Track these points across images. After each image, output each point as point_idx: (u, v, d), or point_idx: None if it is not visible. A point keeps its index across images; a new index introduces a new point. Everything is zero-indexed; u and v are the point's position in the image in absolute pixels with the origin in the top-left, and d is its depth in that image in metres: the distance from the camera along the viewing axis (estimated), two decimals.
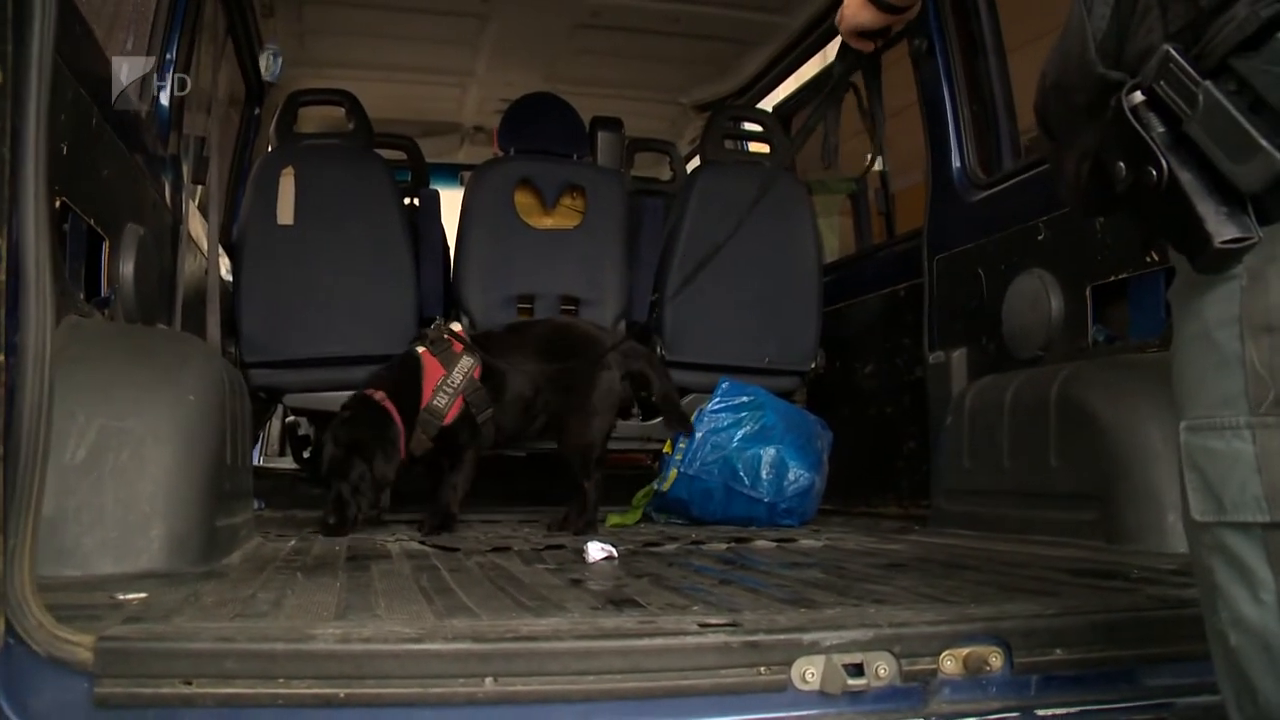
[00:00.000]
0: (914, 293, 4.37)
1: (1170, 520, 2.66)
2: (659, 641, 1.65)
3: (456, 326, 3.92)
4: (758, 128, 5.47)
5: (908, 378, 4.49)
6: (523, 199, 4.71)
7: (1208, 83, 1.17)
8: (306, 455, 5.24)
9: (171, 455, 2.26)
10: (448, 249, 4.99)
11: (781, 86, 6.13)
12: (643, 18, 5.39)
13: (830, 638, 1.69)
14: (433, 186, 5.49)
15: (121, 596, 1.89)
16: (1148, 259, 3.10)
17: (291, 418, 5.10)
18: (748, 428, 4.10)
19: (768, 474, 4.04)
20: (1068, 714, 1.80)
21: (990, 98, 4.04)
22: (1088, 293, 3.35)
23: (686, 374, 4.66)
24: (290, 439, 6.20)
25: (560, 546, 3.13)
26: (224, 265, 4.60)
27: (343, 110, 4.77)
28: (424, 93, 6.47)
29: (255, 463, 3.80)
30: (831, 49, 5.47)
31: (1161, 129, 1.21)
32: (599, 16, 5.38)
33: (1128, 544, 2.75)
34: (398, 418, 3.61)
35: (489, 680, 1.57)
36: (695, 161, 5.67)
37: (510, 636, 1.64)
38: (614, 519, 4.09)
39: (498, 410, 3.79)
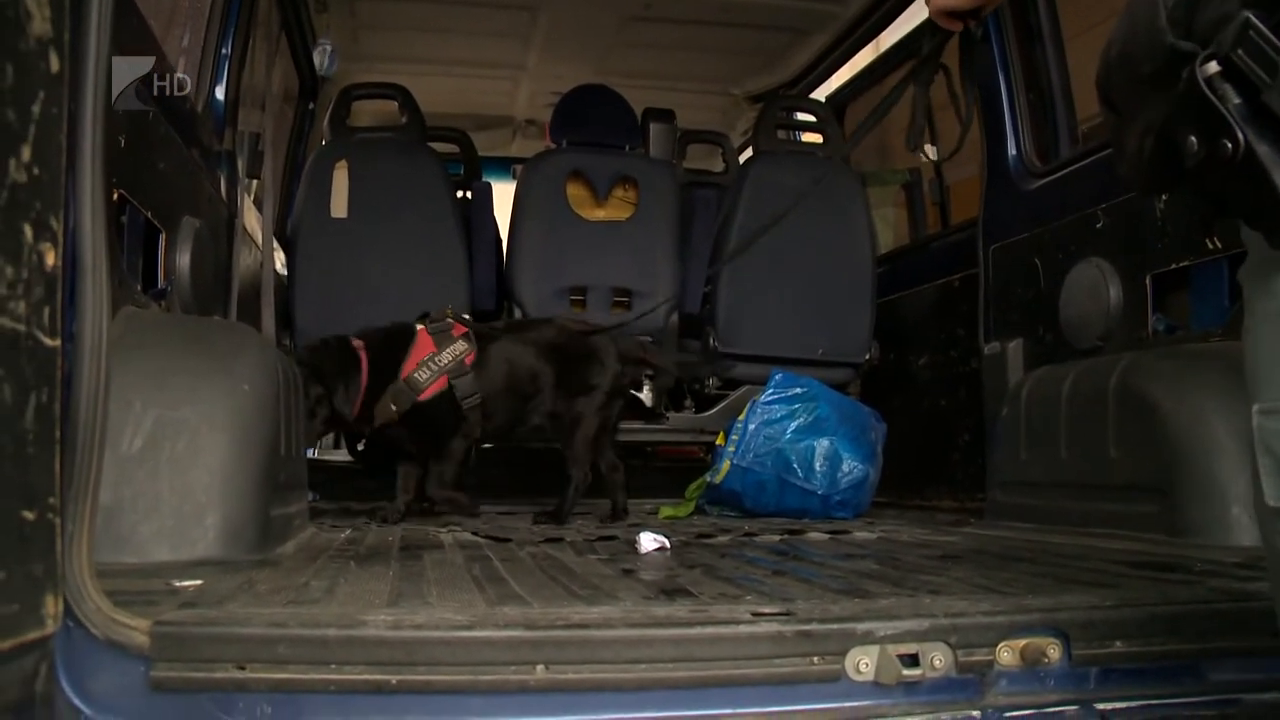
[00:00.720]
0: (969, 283, 4.32)
1: (1235, 513, 2.61)
2: (711, 630, 1.64)
3: (466, 316, 3.86)
4: (811, 118, 5.43)
5: (962, 369, 4.44)
6: (575, 191, 4.71)
7: None
8: (360, 448, 5.29)
9: (226, 444, 2.28)
10: (500, 242, 5.01)
11: (835, 76, 6.07)
12: (694, 8, 5.36)
13: (885, 628, 1.67)
14: (485, 179, 5.51)
15: (177, 583, 1.90)
16: (1209, 245, 3.04)
17: None
18: (801, 419, 4.07)
19: (821, 466, 4.01)
20: (1128, 708, 1.75)
21: (1047, 85, 3.98)
22: (1147, 281, 3.29)
23: (740, 365, 4.64)
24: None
25: (613, 538, 3.12)
26: (278, 258, 4.65)
27: (395, 104, 4.81)
28: (476, 86, 6.49)
29: (309, 455, 3.83)
30: (885, 39, 5.45)
31: (1238, 100, 1.16)
32: (651, 8, 5.36)
33: (1190, 537, 2.69)
34: (365, 370, 3.58)
35: (540, 668, 1.56)
36: (748, 153, 5.64)
37: (562, 624, 1.63)
38: (666, 511, 4.09)
39: (488, 400, 3.72)
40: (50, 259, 1.30)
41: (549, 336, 3.84)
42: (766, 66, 6.17)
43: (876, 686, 1.66)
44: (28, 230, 1.24)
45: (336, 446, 7.38)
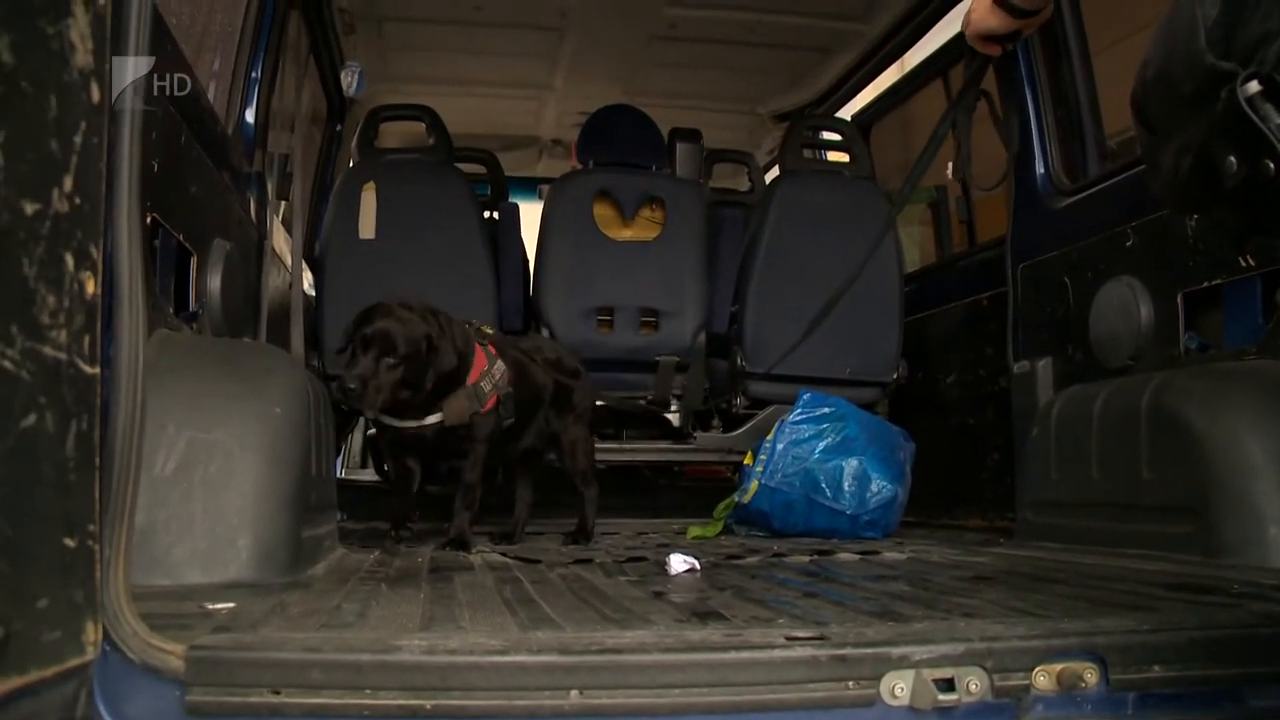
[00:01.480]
0: (997, 301, 4.30)
1: (1273, 534, 2.59)
2: (746, 655, 1.63)
3: (489, 330, 3.76)
4: (837, 137, 5.42)
5: (991, 388, 4.42)
6: (602, 211, 4.73)
7: None
8: (387, 468, 5.30)
9: (258, 467, 2.29)
10: (527, 262, 5.02)
11: (860, 95, 6.08)
12: (720, 28, 5.38)
13: (920, 652, 1.65)
14: (512, 200, 5.53)
15: (210, 606, 1.91)
16: (1243, 262, 3.01)
17: (373, 430, 5.14)
18: (829, 439, 4.06)
19: (850, 486, 4.00)
20: None
21: (1075, 102, 3.96)
22: (1179, 299, 3.27)
23: (767, 385, 4.63)
24: (372, 451, 6.27)
25: (642, 559, 3.12)
26: (307, 279, 4.67)
27: (423, 125, 4.83)
28: (503, 107, 6.53)
29: (338, 475, 3.83)
30: (910, 58, 5.44)
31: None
32: (676, 28, 5.38)
33: (1226, 558, 2.66)
34: (481, 359, 3.42)
35: (574, 693, 1.56)
36: (774, 172, 5.64)
37: (595, 649, 1.62)
38: (695, 531, 4.08)
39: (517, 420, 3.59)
40: (90, 287, 1.31)
41: (545, 354, 3.84)
42: (792, 86, 6.18)
43: (912, 711, 1.64)
44: (69, 260, 1.26)
45: (363, 466, 7.43)
